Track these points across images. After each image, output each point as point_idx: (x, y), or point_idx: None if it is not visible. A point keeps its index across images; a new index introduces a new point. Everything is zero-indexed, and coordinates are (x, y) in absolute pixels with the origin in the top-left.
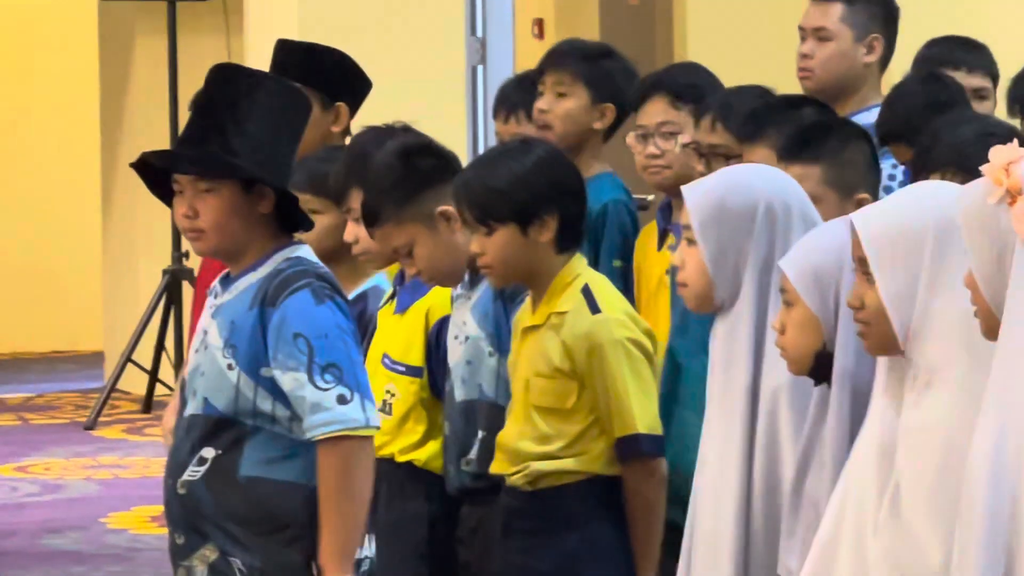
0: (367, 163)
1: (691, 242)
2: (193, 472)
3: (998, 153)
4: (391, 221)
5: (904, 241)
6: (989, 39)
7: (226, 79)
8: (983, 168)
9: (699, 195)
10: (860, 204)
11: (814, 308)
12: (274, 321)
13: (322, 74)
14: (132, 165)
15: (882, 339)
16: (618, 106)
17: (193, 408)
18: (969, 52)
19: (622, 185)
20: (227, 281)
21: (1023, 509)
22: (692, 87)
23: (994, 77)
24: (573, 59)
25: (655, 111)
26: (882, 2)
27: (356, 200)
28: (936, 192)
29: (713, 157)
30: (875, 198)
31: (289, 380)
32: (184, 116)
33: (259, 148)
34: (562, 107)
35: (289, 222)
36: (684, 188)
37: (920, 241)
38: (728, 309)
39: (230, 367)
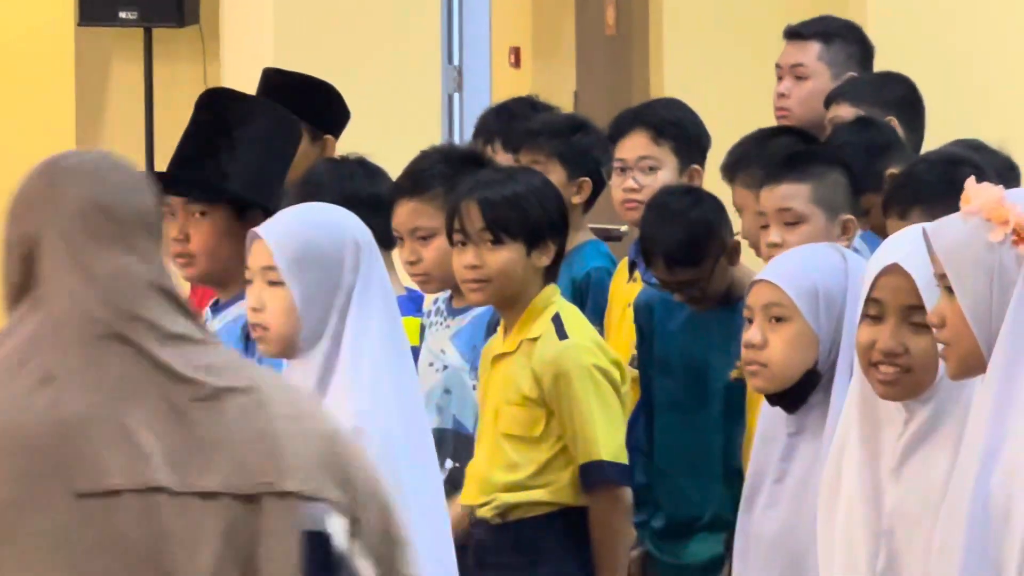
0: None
1: (273, 284)
2: None
3: (983, 191)
4: (436, 201)
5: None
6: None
7: (221, 104)
8: (970, 207)
9: (281, 236)
10: (845, 225)
11: (815, 327)
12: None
13: (312, 107)
14: None
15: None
16: (594, 179)
17: None
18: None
19: (607, 252)
20: (216, 308)
21: (1009, 555)
22: (674, 124)
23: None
24: (546, 137)
25: (635, 145)
26: (858, 40)
27: None
28: None
29: None
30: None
31: None
32: (160, 142)
33: (251, 174)
34: None
35: None
36: (260, 230)
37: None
38: (309, 350)
39: None
